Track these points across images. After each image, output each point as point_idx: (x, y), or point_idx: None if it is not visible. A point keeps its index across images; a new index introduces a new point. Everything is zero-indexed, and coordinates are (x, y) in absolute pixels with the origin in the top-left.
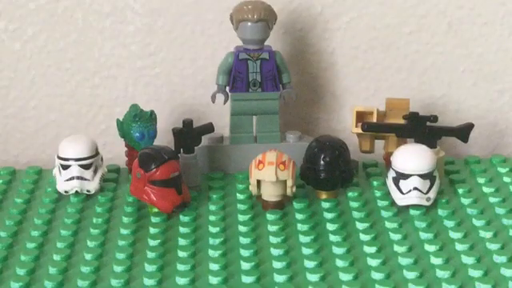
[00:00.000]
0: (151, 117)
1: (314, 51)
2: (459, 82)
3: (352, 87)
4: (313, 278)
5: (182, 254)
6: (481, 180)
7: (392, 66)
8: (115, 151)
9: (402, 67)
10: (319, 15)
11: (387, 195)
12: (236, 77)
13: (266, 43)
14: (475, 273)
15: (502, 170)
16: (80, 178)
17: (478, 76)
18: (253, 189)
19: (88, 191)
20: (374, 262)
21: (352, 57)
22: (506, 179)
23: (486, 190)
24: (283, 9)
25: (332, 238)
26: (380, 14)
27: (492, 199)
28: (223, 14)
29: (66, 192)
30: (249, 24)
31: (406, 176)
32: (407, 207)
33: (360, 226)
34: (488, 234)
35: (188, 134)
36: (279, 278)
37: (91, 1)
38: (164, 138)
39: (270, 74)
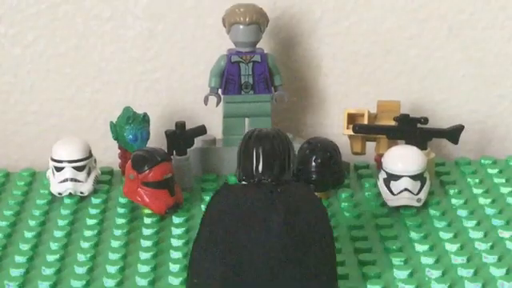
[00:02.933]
0: (144, 119)
1: (313, 56)
2: (459, 86)
3: (352, 92)
4: None
5: (174, 254)
6: (471, 181)
7: (392, 70)
8: (116, 156)
9: (402, 72)
10: (319, 20)
11: (378, 196)
12: (228, 79)
13: (262, 47)
14: (464, 272)
15: (492, 172)
16: (73, 179)
17: (478, 81)
18: None
19: (81, 193)
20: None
21: (352, 61)
22: (496, 180)
23: (476, 191)
24: (283, 14)
25: None
26: (380, 18)
27: (482, 200)
28: None
29: (59, 194)
30: (241, 27)
31: (396, 177)
32: (398, 208)
33: (352, 226)
34: (478, 235)
35: (181, 135)
36: None
37: (91, 5)
38: (163, 142)
39: (262, 76)
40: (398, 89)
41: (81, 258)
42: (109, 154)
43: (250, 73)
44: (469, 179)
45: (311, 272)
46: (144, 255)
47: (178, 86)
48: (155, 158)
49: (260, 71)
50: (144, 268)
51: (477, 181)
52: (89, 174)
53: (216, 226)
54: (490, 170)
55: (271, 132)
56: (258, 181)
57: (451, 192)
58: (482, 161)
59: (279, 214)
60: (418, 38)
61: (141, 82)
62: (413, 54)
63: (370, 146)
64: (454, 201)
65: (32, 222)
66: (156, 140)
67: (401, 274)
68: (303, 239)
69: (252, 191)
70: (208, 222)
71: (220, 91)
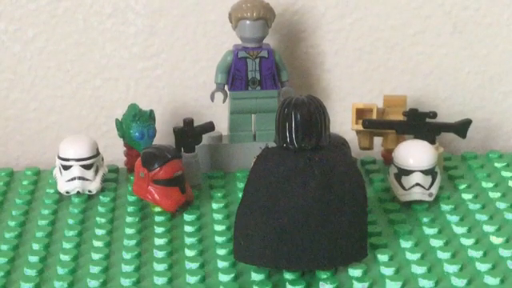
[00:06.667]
0: (150, 116)
1: (317, 52)
2: (464, 83)
3: (356, 89)
4: (323, 274)
5: (189, 252)
6: (479, 175)
7: (396, 67)
8: (117, 153)
9: (407, 69)
10: (323, 16)
11: (387, 191)
12: (235, 75)
13: (268, 43)
14: (483, 267)
15: (499, 166)
16: (81, 178)
17: (483, 78)
18: None
19: (89, 191)
20: (382, 258)
21: (356, 58)
22: (504, 174)
23: (485, 185)
24: (287, 10)
25: None
26: (384, 14)
27: (492, 194)
28: (225, 15)
29: (67, 192)
30: (248, 22)
31: (408, 172)
32: (409, 203)
33: None
34: (492, 229)
35: (189, 132)
36: (289, 276)
37: (92, 2)
38: (165, 139)
39: (269, 72)
40: (402, 86)
41: (95, 256)
42: (110, 152)
43: (257, 68)
44: (477, 173)
45: (345, 232)
46: (159, 253)
47: (180, 82)
48: (165, 156)
49: (267, 67)
50: (160, 266)
51: (485, 174)
52: (96, 172)
53: (257, 191)
54: (496, 164)
55: (307, 99)
56: (297, 147)
57: (461, 186)
58: (490, 155)
59: (316, 180)
60: (422, 34)
61: (142, 78)
62: (417, 50)
63: (377, 140)
64: (464, 195)
65: (41, 222)
66: (158, 137)
67: (419, 269)
68: (338, 202)
69: (291, 157)
70: (250, 187)
71: (226, 87)
